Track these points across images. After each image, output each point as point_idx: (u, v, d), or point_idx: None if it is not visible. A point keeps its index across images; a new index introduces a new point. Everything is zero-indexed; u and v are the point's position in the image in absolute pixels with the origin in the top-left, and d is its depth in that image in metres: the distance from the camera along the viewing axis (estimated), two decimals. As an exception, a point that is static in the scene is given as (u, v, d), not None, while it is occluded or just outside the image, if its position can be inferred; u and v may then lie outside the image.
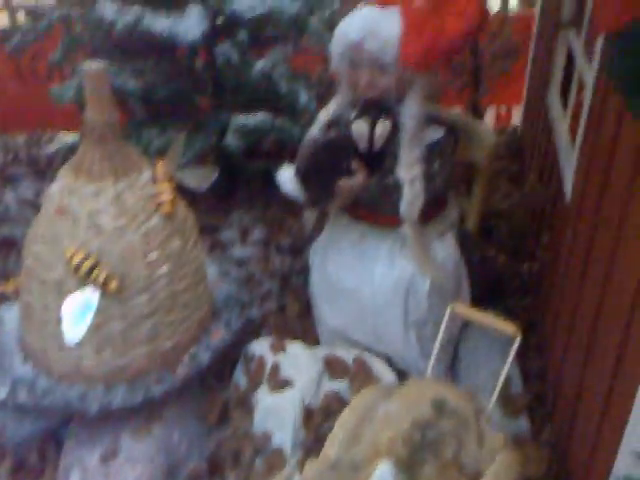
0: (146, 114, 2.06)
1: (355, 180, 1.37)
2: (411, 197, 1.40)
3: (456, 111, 1.96)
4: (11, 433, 1.46)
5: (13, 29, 1.98)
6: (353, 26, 1.35)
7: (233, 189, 2.41)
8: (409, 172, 1.39)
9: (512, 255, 1.97)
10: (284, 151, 1.64)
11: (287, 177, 1.40)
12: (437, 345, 1.36)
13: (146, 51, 1.87)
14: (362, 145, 1.34)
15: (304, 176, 1.36)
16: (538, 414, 1.60)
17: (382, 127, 1.34)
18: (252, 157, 2.31)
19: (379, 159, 1.39)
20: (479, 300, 1.80)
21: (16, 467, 1.44)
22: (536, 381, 1.70)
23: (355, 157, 1.36)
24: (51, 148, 2.69)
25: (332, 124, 1.49)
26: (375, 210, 1.52)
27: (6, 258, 1.97)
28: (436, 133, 1.46)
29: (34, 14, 2.00)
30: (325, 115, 1.49)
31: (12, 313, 1.49)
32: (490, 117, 3.40)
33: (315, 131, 1.49)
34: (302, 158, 1.36)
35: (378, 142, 1.34)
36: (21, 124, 3.00)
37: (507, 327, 1.27)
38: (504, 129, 2.95)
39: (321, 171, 1.36)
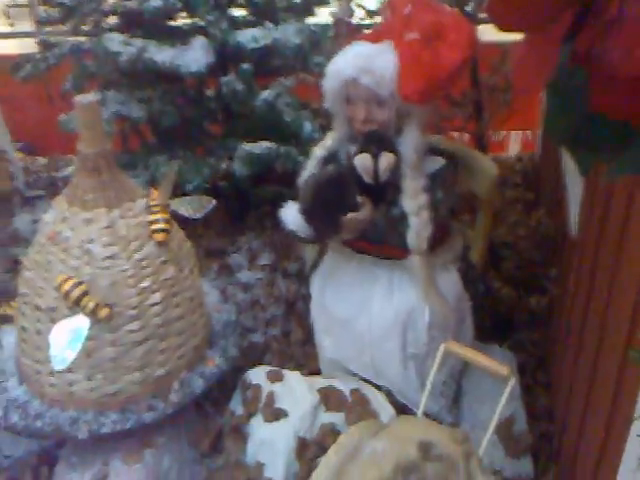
0: (156, 141, 2.11)
1: (361, 214, 1.35)
2: (418, 227, 1.37)
3: (457, 143, 1.93)
4: (7, 452, 1.47)
5: (24, 58, 2.05)
6: (347, 63, 1.34)
7: (243, 213, 2.43)
8: (414, 202, 1.37)
9: (520, 288, 1.92)
10: (294, 177, 1.64)
11: (292, 215, 1.39)
12: (429, 382, 1.33)
13: (153, 81, 1.92)
14: (367, 179, 1.32)
15: (309, 213, 1.34)
16: (545, 454, 1.55)
17: (386, 159, 1.32)
18: (262, 182, 2.32)
19: (383, 192, 1.37)
20: (487, 334, 1.76)
21: (10, 487, 1.46)
22: (544, 420, 1.65)
23: (360, 191, 1.35)
24: (67, 171, 2.77)
25: (329, 159, 1.48)
26: (377, 242, 1.50)
27: (16, 278, 2.01)
28: (436, 163, 1.44)
29: (46, 44, 2.07)
30: (321, 150, 1.49)
31: (13, 334, 1.51)
32: (516, 142, 3.36)
33: (312, 166, 1.49)
34: (305, 195, 1.34)
35: (383, 174, 1.32)
36: (45, 148, 3.10)
37: (499, 368, 1.23)
38: (521, 156, 2.91)
39: (326, 207, 1.33)
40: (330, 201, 1.33)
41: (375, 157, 1.32)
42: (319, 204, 1.33)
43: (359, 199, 1.33)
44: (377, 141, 1.35)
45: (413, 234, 1.38)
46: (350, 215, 1.33)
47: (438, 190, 1.42)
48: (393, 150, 1.34)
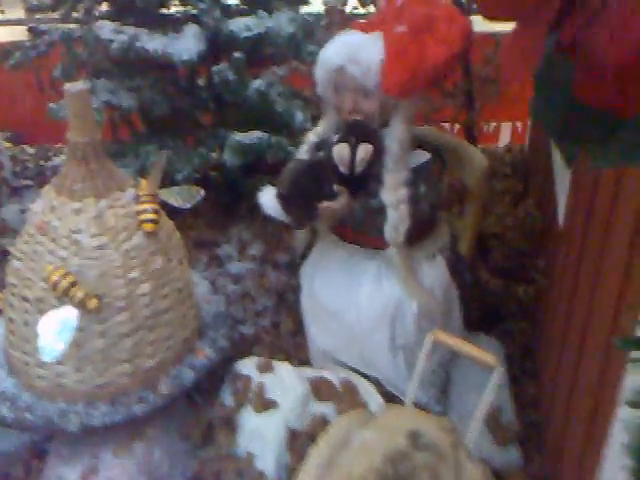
0: (146, 130, 2.09)
1: (337, 203, 1.36)
2: (396, 220, 1.38)
3: (447, 133, 1.94)
4: (-4, 446, 1.47)
5: (14, 45, 2.03)
6: (336, 51, 1.34)
7: (233, 204, 2.42)
8: (394, 195, 1.37)
9: (508, 278, 1.93)
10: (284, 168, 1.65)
11: (269, 199, 1.39)
12: (417, 372, 1.34)
13: (144, 69, 1.91)
14: (342, 168, 1.32)
15: (285, 198, 1.35)
16: (531, 443, 1.57)
17: (364, 150, 1.32)
18: (252, 173, 2.32)
19: (362, 182, 1.37)
20: (475, 324, 1.78)
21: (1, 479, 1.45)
22: (531, 409, 1.67)
23: (337, 180, 1.35)
24: (57, 160, 2.75)
25: (320, 146, 1.48)
26: (362, 232, 1.51)
27: (3, 270, 2.00)
28: (422, 156, 1.44)
29: (36, 31, 2.05)
30: (313, 137, 1.49)
31: (1, 326, 1.50)
32: (507, 133, 3.36)
33: (303, 152, 1.49)
34: (284, 180, 1.35)
35: (359, 165, 1.33)
36: (33, 137, 3.07)
37: (486, 357, 1.24)
38: (511, 147, 2.92)
39: (303, 194, 1.34)
40: (306, 188, 1.34)
41: (354, 147, 1.32)
42: (296, 190, 1.34)
43: (336, 188, 1.34)
44: (359, 132, 1.35)
45: (390, 227, 1.38)
46: (326, 203, 1.34)
47: (421, 184, 1.42)
48: (374, 142, 1.34)
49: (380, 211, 1.38)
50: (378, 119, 1.37)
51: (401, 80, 1.28)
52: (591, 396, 1.10)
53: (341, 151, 1.31)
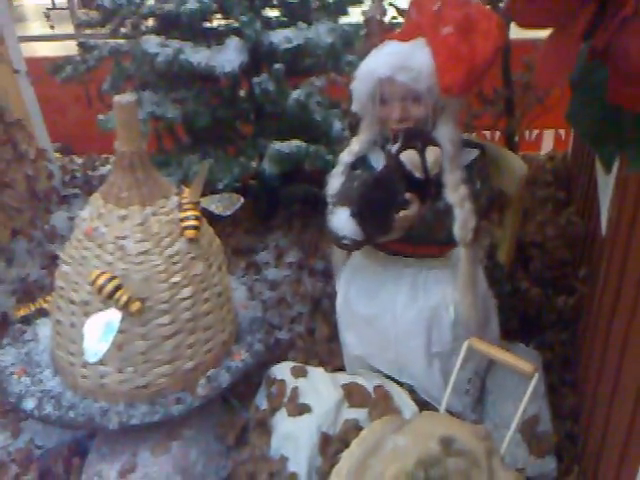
0: (189, 141, 2.15)
1: (411, 210, 1.35)
2: (463, 218, 1.38)
3: (485, 140, 1.92)
4: (39, 442, 1.53)
5: (65, 60, 2.14)
6: (381, 62, 1.35)
7: (272, 212, 2.46)
8: (457, 194, 1.38)
9: (549, 287, 1.90)
10: (322, 176, 1.67)
11: (342, 220, 1.37)
12: (453, 379, 1.33)
13: (188, 81, 1.97)
14: (418, 174, 1.32)
15: (361, 216, 1.34)
16: (568, 454, 1.53)
17: (433, 153, 1.32)
18: (291, 181, 2.35)
19: (427, 187, 1.37)
20: (513, 334, 1.75)
21: (42, 475, 1.50)
22: (569, 420, 1.64)
23: (406, 188, 1.35)
24: (103, 170, 2.86)
25: (356, 164, 1.49)
26: (416, 241, 1.49)
27: (52, 274, 2.09)
28: (470, 154, 1.46)
29: (85, 46, 2.15)
30: (348, 156, 1.50)
31: (48, 327, 1.57)
32: (549, 141, 3.32)
33: (338, 173, 1.50)
34: (356, 199, 1.35)
35: (434, 168, 1.33)
36: (81, 148, 3.20)
37: (523, 365, 1.23)
38: (553, 155, 2.87)
39: (378, 208, 1.34)
40: (381, 201, 1.34)
41: (420, 152, 1.32)
42: (370, 206, 1.33)
43: (407, 196, 1.34)
44: (419, 137, 1.35)
45: (459, 226, 1.39)
46: (402, 213, 1.34)
47: (476, 180, 1.44)
48: (435, 144, 1.35)
49: (446, 213, 1.39)
50: (429, 122, 1.38)
51: (459, 79, 1.30)
52: (631, 408, 1.08)
53: (412, 157, 1.31)
